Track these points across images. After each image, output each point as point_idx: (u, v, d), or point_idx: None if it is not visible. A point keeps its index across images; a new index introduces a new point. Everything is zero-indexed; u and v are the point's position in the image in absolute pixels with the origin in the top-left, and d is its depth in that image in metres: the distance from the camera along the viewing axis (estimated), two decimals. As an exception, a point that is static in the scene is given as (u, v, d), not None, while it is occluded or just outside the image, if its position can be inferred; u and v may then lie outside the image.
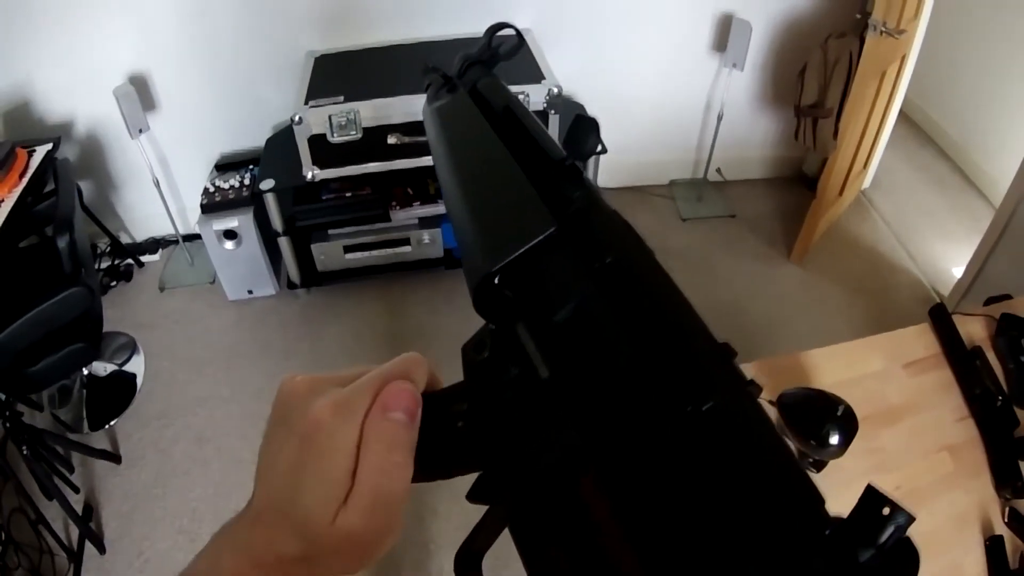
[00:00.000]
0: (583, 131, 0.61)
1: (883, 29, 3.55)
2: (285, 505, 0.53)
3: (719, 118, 4.68)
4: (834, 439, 1.47)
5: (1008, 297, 2.22)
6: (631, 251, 0.49)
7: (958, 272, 4.14)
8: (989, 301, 2.24)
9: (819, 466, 1.62)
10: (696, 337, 0.46)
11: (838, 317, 4.19)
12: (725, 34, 4.36)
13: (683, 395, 0.40)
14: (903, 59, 4.32)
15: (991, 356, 1.98)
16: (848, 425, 1.48)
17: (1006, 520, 1.66)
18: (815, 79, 4.18)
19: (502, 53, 0.76)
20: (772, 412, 1.64)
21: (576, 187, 0.54)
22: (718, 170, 5.12)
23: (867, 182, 5.22)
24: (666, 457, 0.38)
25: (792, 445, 1.62)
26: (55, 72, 3.94)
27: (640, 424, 0.40)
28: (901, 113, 5.02)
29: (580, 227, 0.50)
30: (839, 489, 1.64)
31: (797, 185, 5.20)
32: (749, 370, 1.81)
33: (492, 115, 0.66)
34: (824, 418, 1.49)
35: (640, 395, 0.41)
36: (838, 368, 1.88)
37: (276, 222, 3.92)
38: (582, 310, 0.47)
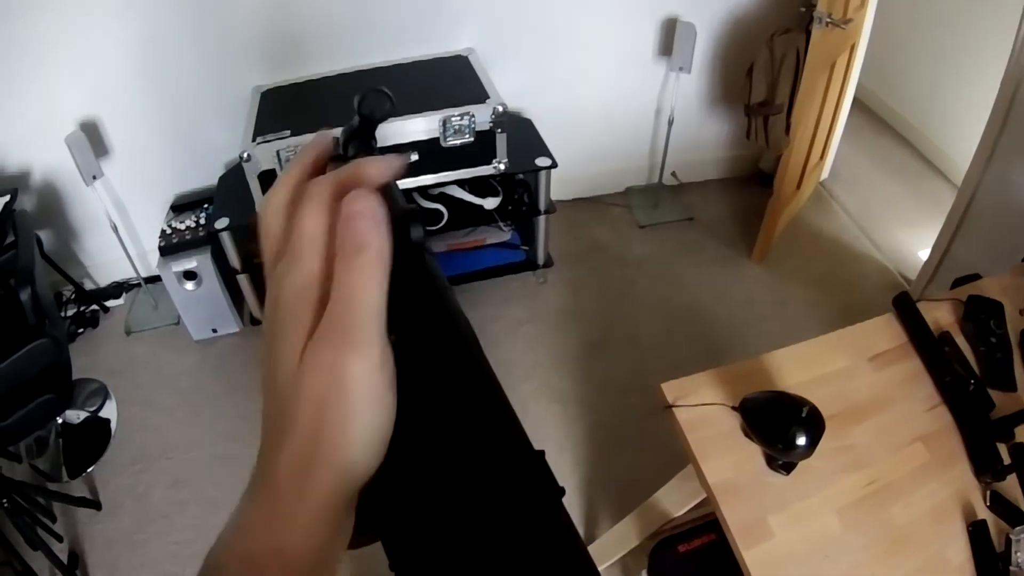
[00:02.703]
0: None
1: (828, 20, 3.56)
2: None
3: (670, 122, 4.68)
4: (800, 440, 1.47)
5: (977, 276, 2.23)
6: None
7: (924, 255, 4.14)
8: (957, 282, 2.24)
9: (788, 468, 1.62)
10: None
11: (805, 314, 4.20)
12: (670, 38, 4.36)
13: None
14: (853, 48, 4.33)
15: (960, 340, 1.99)
16: (814, 425, 1.48)
17: (988, 504, 1.67)
18: (763, 77, 4.18)
19: (377, 117, 0.73)
20: (736, 418, 1.64)
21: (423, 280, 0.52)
22: (673, 174, 5.12)
23: (825, 173, 5.24)
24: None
25: (760, 449, 1.62)
26: (7, 123, 3.91)
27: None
28: (856, 101, 5.04)
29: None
30: (811, 490, 1.64)
31: (754, 183, 5.21)
32: (711, 379, 1.81)
33: None
34: (789, 420, 1.49)
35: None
36: (802, 368, 1.88)
37: (234, 260, 3.90)
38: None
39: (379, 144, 0.76)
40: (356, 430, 0.46)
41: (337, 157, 0.71)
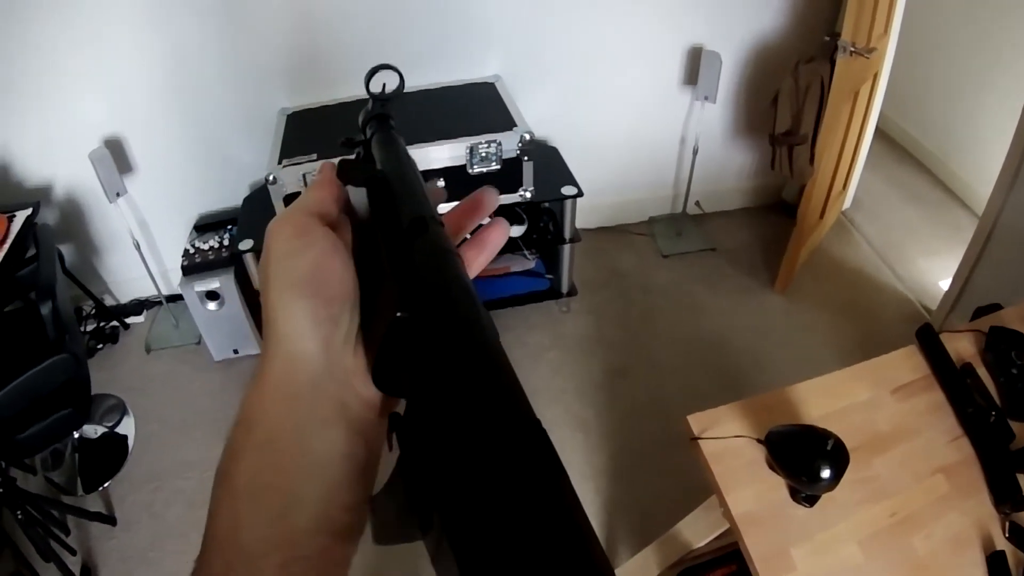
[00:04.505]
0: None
1: (852, 49, 3.56)
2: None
3: (695, 152, 4.68)
4: (825, 473, 1.47)
5: (997, 306, 2.22)
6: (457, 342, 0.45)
7: (945, 285, 4.14)
8: (978, 312, 2.23)
9: (812, 500, 1.61)
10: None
11: (826, 345, 4.18)
12: (695, 67, 4.36)
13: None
14: (875, 77, 4.32)
15: (982, 372, 1.98)
16: (838, 458, 1.48)
17: (1007, 535, 1.65)
18: (787, 106, 4.17)
19: (389, 95, 0.77)
20: (760, 449, 1.64)
21: (421, 251, 0.53)
22: (697, 203, 5.12)
23: (847, 203, 5.22)
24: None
25: (783, 481, 1.62)
26: (32, 137, 3.93)
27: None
28: (877, 130, 5.01)
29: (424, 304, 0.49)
30: (833, 521, 1.63)
31: (776, 213, 5.21)
32: (736, 410, 1.81)
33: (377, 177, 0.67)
34: (814, 453, 1.49)
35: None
36: (826, 400, 1.87)
37: (257, 282, 3.81)
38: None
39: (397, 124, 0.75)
40: (273, 267, 0.55)
41: (358, 142, 0.76)
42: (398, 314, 0.48)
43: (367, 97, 0.79)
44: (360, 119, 0.77)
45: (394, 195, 0.61)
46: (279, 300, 0.54)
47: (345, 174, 0.63)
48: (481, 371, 0.43)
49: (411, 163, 0.68)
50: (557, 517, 0.34)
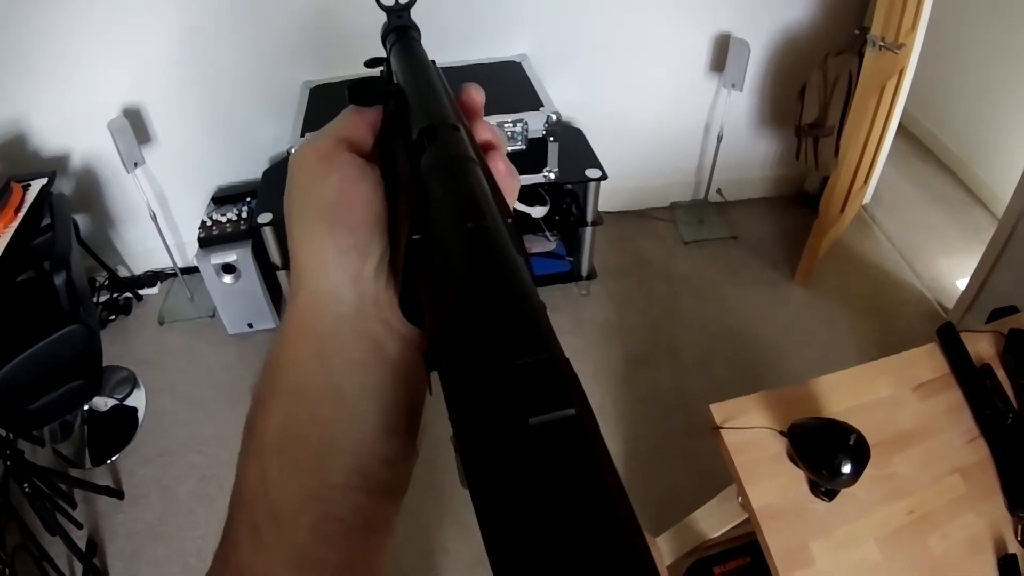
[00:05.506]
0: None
1: (882, 44, 3.53)
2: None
3: (719, 139, 4.65)
4: (846, 468, 1.47)
5: (1014, 308, 2.21)
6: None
7: (962, 284, 4.12)
8: (994, 313, 2.22)
9: (831, 495, 1.61)
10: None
11: (844, 338, 4.14)
12: (723, 54, 4.34)
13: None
14: (901, 73, 4.30)
15: (1000, 373, 1.97)
16: (860, 454, 1.48)
17: (1019, 538, 1.66)
18: (815, 98, 4.15)
19: (403, 5, 0.74)
20: (781, 442, 1.63)
21: (428, 162, 0.49)
22: (719, 191, 5.10)
23: (868, 197, 5.20)
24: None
25: (804, 475, 1.60)
26: (49, 105, 3.93)
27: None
28: (900, 126, 5.00)
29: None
30: (852, 517, 1.62)
31: (798, 204, 5.20)
32: (758, 402, 1.81)
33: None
34: (836, 448, 1.48)
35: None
36: (848, 395, 1.87)
37: (275, 256, 3.86)
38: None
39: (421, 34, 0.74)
40: (295, 196, 0.53)
41: (382, 60, 0.76)
42: (414, 236, 0.45)
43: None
44: (382, 34, 0.76)
45: (408, 107, 0.58)
46: (300, 232, 0.52)
47: (357, 96, 0.59)
48: (490, 296, 0.38)
49: (429, 70, 0.66)
50: (581, 482, 0.31)
